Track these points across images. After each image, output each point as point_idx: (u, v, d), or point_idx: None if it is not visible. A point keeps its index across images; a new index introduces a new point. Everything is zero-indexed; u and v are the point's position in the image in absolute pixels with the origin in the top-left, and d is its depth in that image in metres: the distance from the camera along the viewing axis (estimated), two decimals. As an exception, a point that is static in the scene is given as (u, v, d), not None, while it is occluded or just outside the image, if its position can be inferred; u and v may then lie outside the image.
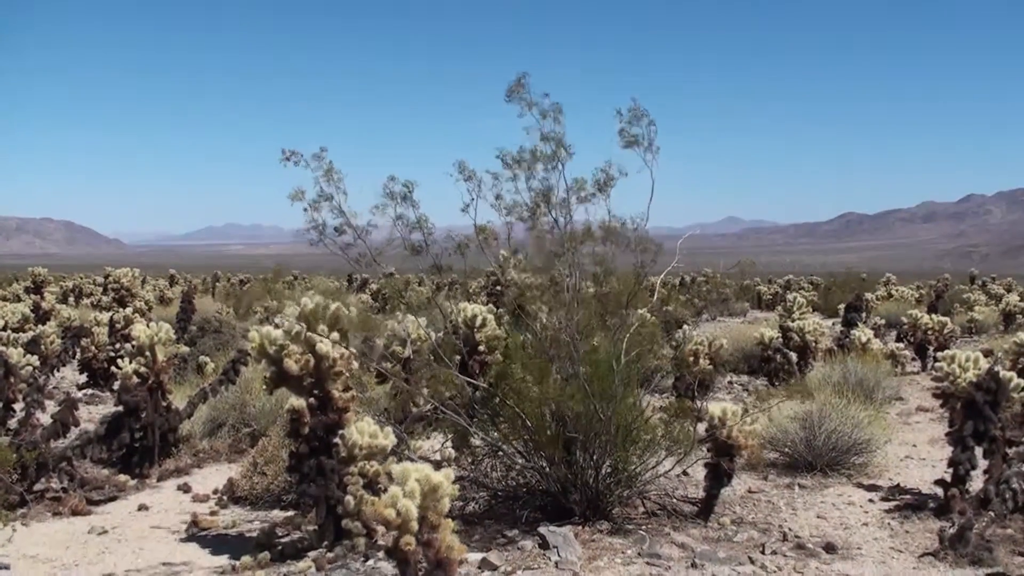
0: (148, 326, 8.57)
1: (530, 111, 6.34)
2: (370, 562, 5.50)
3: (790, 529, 6.40)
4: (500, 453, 6.82)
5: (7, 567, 5.82)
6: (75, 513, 6.98)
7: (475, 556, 5.53)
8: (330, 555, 5.64)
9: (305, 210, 6.14)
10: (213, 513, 7.04)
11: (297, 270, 43.41)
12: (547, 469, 6.49)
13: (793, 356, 13.18)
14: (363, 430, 5.78)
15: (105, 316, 15.02)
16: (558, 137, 6.38)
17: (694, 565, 5.51)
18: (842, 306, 20.09)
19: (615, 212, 6.51)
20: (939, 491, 6.92)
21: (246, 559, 5.69)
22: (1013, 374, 7.05)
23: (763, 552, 5.86)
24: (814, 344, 13.61)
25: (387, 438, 5.83)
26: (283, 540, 6.11)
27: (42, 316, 18.06)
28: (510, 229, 6.68)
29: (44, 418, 8.19)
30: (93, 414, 10.81)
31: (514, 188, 6.48)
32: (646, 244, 6.59)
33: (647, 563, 5.57)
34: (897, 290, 30.79)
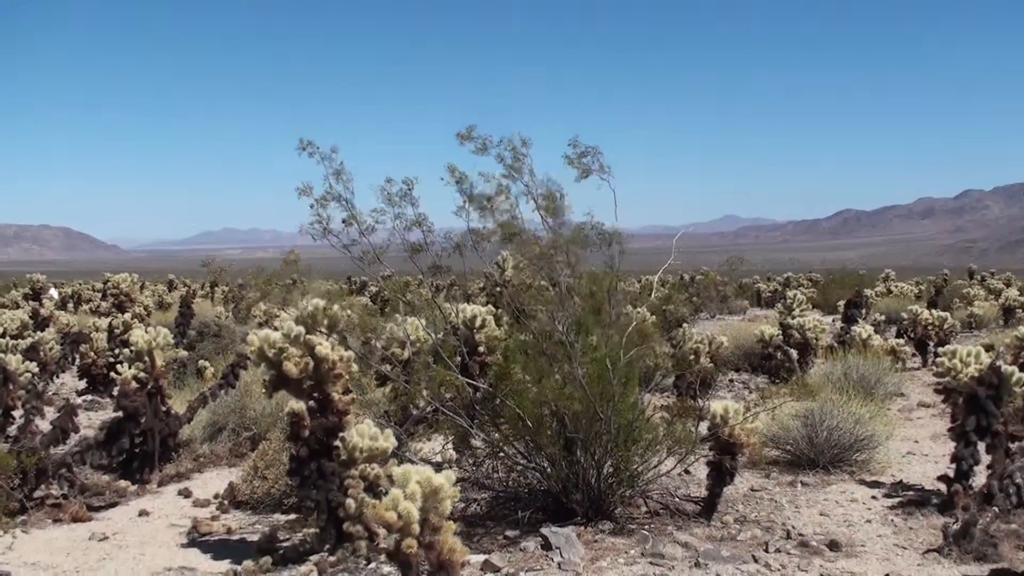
0: (146, 331, 8.54)
1: (486, 152, 6.55)
2: (372, 565, 5.47)
3: (793, 527, 6.38)
4: (501, 454, 6.80)
5: (8, 574, 5.79)
6: (75, 519, 6.96)
7: (477, 558, 5.51)
8: (332, 559, 5.61)
9: (312, 206, 6.28)
10: (214, 518, 7.02)
11: (295, 273, 43.18)
12: (548, 469, 6.48)
13: (794, 353, 13.16)
14: (363, 433, 5.76)
15: (104, 322, 15.00)
16: (521, 171, 6.59)
17: (698, 564, 5.49)
18: (842, 303, 20.07)
19: (586, 218, 6.77)
20: (942, 487, 6.90)
21: (248, 564, 5.67)
22: (1015, 368, 7.04)
23: (767, 550, 5.85)
24: (815, 341, 13.58)
25: (387, 440, 5.82)
26: (285, 544, 6.10)
27: (41, 323, 18.02)
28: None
29: (43, 424, 8.17)
30: (93, 420, 10.78)
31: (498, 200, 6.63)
32: (610, 239, 6.82)
33: (650, 563, 5.55)
34: (896, 286, 30.73)
